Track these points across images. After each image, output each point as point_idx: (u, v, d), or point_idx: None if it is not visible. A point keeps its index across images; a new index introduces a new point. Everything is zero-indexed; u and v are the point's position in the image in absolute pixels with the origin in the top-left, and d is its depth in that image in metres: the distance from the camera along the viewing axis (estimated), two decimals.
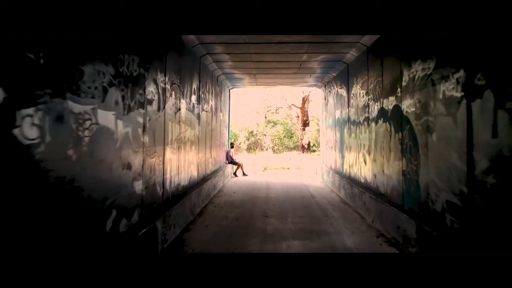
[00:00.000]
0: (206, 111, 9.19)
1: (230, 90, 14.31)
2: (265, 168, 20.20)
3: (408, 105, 5.16)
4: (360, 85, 7.86)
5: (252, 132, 27.46)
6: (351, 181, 8.51)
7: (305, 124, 25.71)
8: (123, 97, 3.95)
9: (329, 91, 11.88)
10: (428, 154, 4.51)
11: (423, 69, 4.62)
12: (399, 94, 5.52)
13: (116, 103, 3.79)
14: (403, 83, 5.33)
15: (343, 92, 9.69)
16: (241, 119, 27.72)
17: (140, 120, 4.51)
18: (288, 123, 29.11)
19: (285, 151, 26.84)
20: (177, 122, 6.28)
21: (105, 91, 3.53)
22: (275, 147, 27.35)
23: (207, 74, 9.38)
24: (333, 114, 11.25)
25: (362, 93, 7.69)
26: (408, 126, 5.16)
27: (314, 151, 26.50)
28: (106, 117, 3.55)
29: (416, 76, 4.84)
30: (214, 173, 10.26)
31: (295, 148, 27.16)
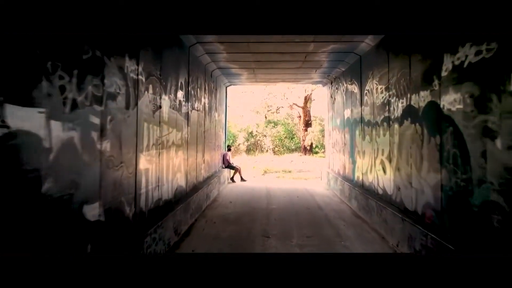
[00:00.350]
0: (197, 110, 7.99)
1: (227, 88, 13.12)
2: (265, 172, 19.03)
3: (451, 101, 3.96)
4: (378, 79, 6.66)
5: (251, 132, 26.25)
6: (365, 192, 7.32)
7: (307, 124, 24.50)
8: (62, 88, 2.76)
9: (337, 88, 10.68)
10: (487, 167, 3.31)
11: (479, 52, 3.43)
12: (436, 88, 4.33)
13: (48, 96, 2.60)
14: (444, 73, 4.13)
15: (354, 88, 8.50)
16: (240, 119, 26.52)
17: (96, 120, 3.32)
18: (289, 123, 27.92)
19: (286, 152, 25.64)
20: (156, 123, 5.09)
21: None
22: (276, 148, 26.16)
23: (199, 68, 8.19)
24: (341, 114, 10.06)
25: (380, 88, 6.50)
26: (451, 128, 3.97)
27: (316, 152, 25.31)
28: (25, 117, 2.36)
29: (466, 63, 3.65)
30: (208, 180, 9.07)
31: (296, 149, 25.96)
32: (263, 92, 24.74)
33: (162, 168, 5.39)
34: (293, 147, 26.16)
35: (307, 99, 24.27)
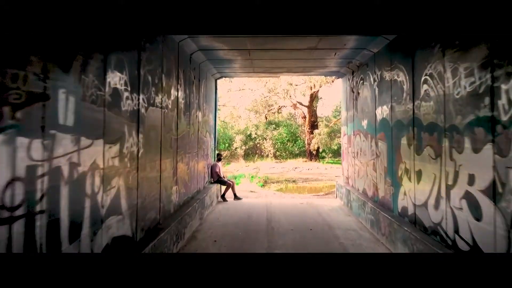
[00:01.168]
0: (161, 108, 5.25)
1: (217, 81, 10.38)
2: (265, 182, 16.32)
3: None
4: (458, 54, 3.92)
5: (250, 135, 23.46)
6: (426, 237, 4.57)
7: (313, 126, 21.72)
8: None
9: (362, 79, 7.94)
10: None
11: None
12: None
13: None
14: None
15: (397, 75, 5.75)
16: (238, 120, 23.72)
17: None
18: (292, 124, 25.15)
19: (289, 158, 22.88)
20: (29, 132, 2.34)
21: None
22: (277, 152, 23.39)
23: (166, 44, 5.45)
24: (370, 113, 7.32)
25: (466, 68, 3.75)
26: None
27: (323, 157, 22.57)
28: None
29: None
30: (181, 210, 6.32)
31: (300, 154, 23.20)
32: (263, 89, 21.90)
33: (56, 222, 2.65)
34: (297, 152, 23.40)
35: (313, 97, 21.49)
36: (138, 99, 4.30)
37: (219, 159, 10.18)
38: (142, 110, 4.44)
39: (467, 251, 3.76)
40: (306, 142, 22.19)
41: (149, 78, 4.70)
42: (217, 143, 11.05)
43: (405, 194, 5.49)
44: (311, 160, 21.44)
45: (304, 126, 22.71)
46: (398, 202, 5.76)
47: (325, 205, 9.45)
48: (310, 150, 21.40)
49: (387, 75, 6.26)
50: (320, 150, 21.75)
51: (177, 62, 6.12)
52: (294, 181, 16.80)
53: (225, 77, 10.42)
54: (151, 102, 4.79)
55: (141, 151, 4.39)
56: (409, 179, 5.30)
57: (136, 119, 4.25)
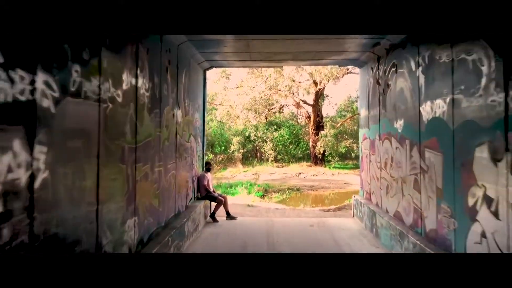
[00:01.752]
0: (99, 101, 3.29)
1: (206, 72, 8.41)
2: (265, 190, 14.37)
3: None
4: None
5: (249, 137, 21.49)
6: None
7: (318, 127, 19.74)
8: None
9: (395, 66, 5.99)
10: None
11: None
12: None
13: None
14: None
15: (467, 52, 3.79)
16: (235, 121, 21.74)
17: None
18: (295, 125, 23.17)
19: (292, 162, 20.91)
20: None
21: None
22: (279, 156, 21.41)
23: None
24: (410, 110, 5.38)
25: None
26: None
27: (329, 161, 20.61)
28: None
29: None
30: (145, 250, 4.37)
31: (304, 158, 21.23)
32: (263, 86, 19.88)
33: None
34: (300, 155, 21.43)
35: (318, 95, 19.51)
36: (33, 81, 2.35)
37: (208, 169, 8.21)
38: (46, 103, 2.48)
39: None
40: (310, 145, 20.22)
41: (68, 49, 2.74)
42: (211, 147, 9.07)
43: (484, 236, 3.53)
44: (316, 164, 19.48)
45: (308, 127, 20.74)
46: (468, 244, 3.80)
47: (341, 227, 7.49)
48: (315, 154, 19.44)
49: (443, 55, 4.30)
50: (326, 153, 19.79)
51: (140, 37, 4.17)
52: (298, 190, 14.87)
53: (216, 66, 8.46)
54: (73, 89, 2.83)
55: (41, 177, 2.43)
56: (495, 214, 3.34)
57: (26, 118, 2.30)
